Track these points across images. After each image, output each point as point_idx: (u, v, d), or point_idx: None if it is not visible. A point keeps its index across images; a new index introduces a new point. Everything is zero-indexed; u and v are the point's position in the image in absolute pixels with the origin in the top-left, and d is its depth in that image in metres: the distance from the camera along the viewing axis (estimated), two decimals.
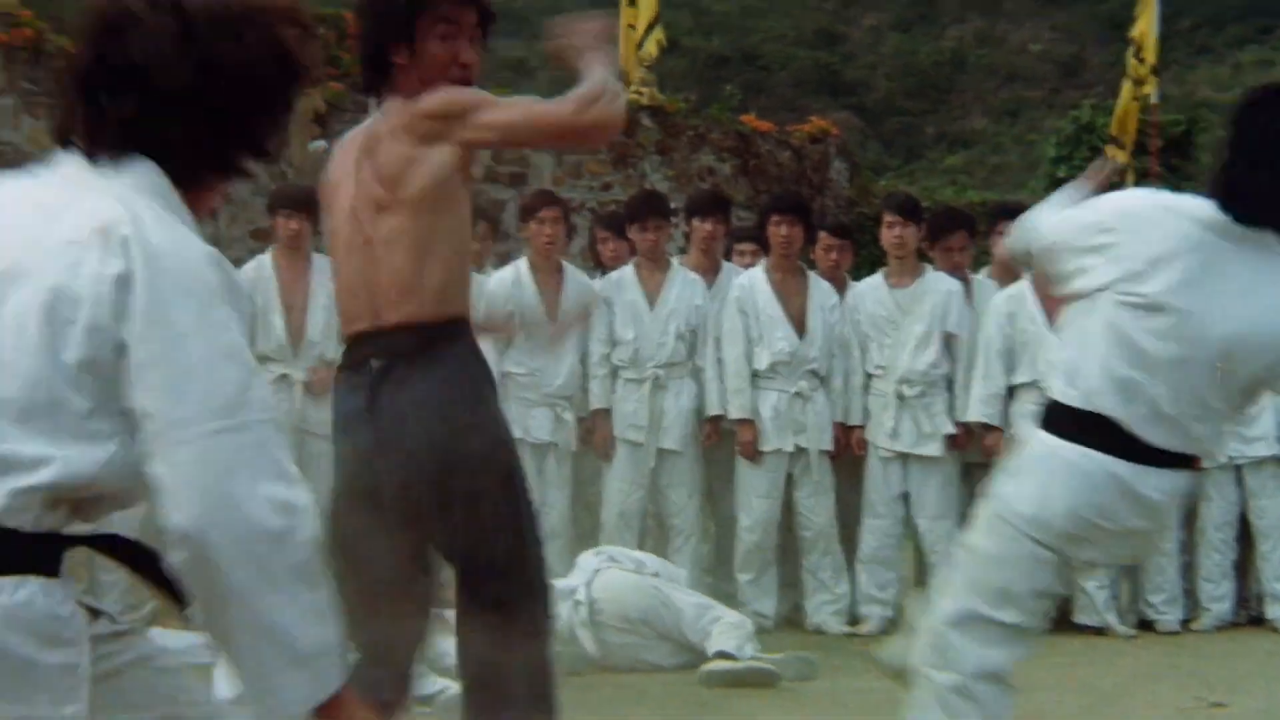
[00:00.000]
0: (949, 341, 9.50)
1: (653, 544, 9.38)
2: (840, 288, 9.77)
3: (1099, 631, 9.24)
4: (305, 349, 9.21)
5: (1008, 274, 9.79)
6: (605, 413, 9.47)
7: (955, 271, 9.71)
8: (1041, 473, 4.39)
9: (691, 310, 9.51)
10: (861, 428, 9.56)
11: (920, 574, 9.66)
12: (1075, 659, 8.27)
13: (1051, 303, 9.35)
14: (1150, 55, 18.62)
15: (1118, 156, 18.46)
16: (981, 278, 9.89)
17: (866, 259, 12.07)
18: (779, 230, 9.55)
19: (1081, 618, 9.31)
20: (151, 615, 8.83)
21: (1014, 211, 10.30)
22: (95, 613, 2.72)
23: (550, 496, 9.26)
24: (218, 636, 2.62)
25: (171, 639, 8.48)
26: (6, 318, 2.59)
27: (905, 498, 9.52)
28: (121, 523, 2.79)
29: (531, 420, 9.24)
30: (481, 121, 4.17)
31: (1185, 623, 9.49)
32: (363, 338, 4.24)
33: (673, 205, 10.78)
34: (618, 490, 9.42)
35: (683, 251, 10.87)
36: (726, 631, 7.82)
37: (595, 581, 8.11)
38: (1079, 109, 23.88)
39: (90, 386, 2.57)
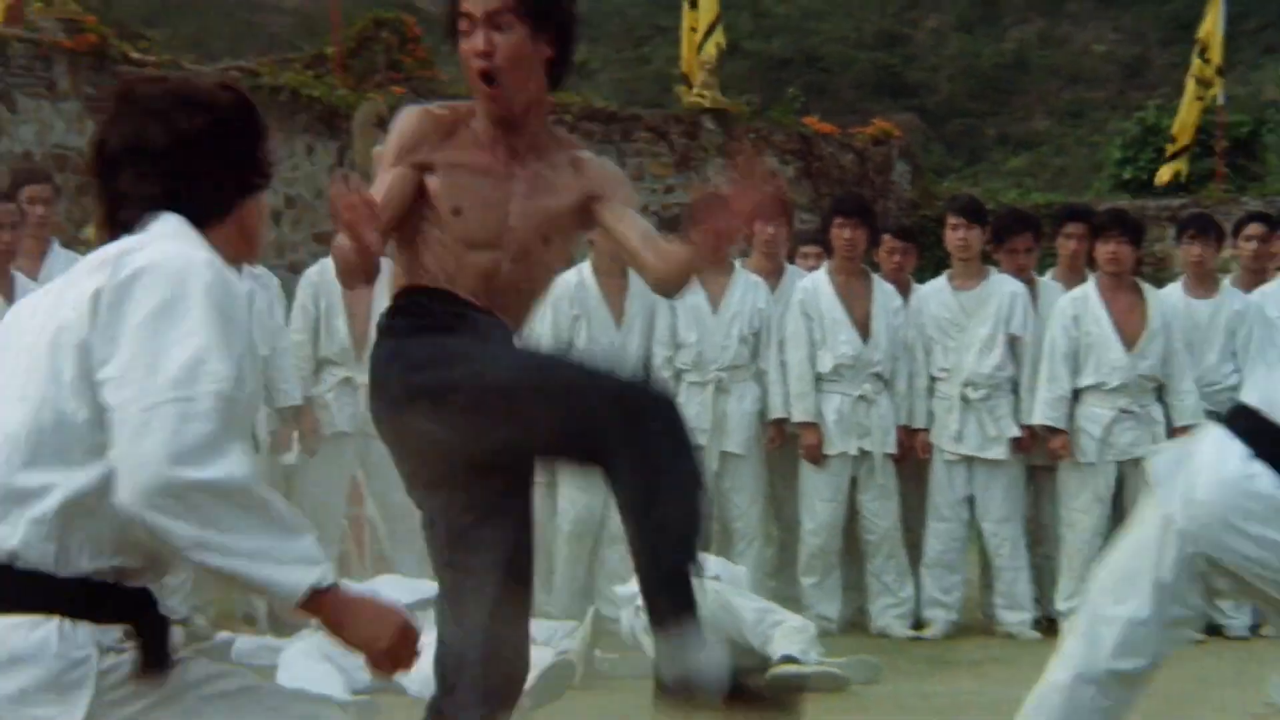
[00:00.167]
0: (1013, 344, 9.46)
1: (716, 548, 9.35)
2: (904, 290, 9.73)
3: None
4: (369, 352, 9.21)
5: (1073, 276, 9.75)
6: None
7: (1020, 274, 9.65)
8: None
9: (754, 313, 9.49)
10: (926, 431, 9.52)
11: (985, 577, 9.62)
12: None
13: (1117, 305, 9.33)
14: (1216, 56, 18.53)
15: (1178, 169, 18.39)
16: (1046, 280, 9.84)
17: (929, 261, 12.02)
18: (842, 233, 9.52)
19: None
20: (216, 617, 8.88)
21: (1079, 213, 10.35)
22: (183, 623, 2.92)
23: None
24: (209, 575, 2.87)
25: (240, 641, 8.50)
26: (22, 357, 2.90)
27: (970, 501, 9.47)
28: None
29: None
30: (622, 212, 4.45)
31: (1254, 628, 9.40)
32: None
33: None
34: None
35: (745, 255, 10.84)
36: (789, 635, 7.80)
37: None
38: (1144, 110, 23.73)
39: (88, 396, 2.81)
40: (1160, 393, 9.35)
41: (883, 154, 18.32)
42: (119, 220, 3.02)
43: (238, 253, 3.11)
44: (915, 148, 21.22)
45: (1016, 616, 9.34)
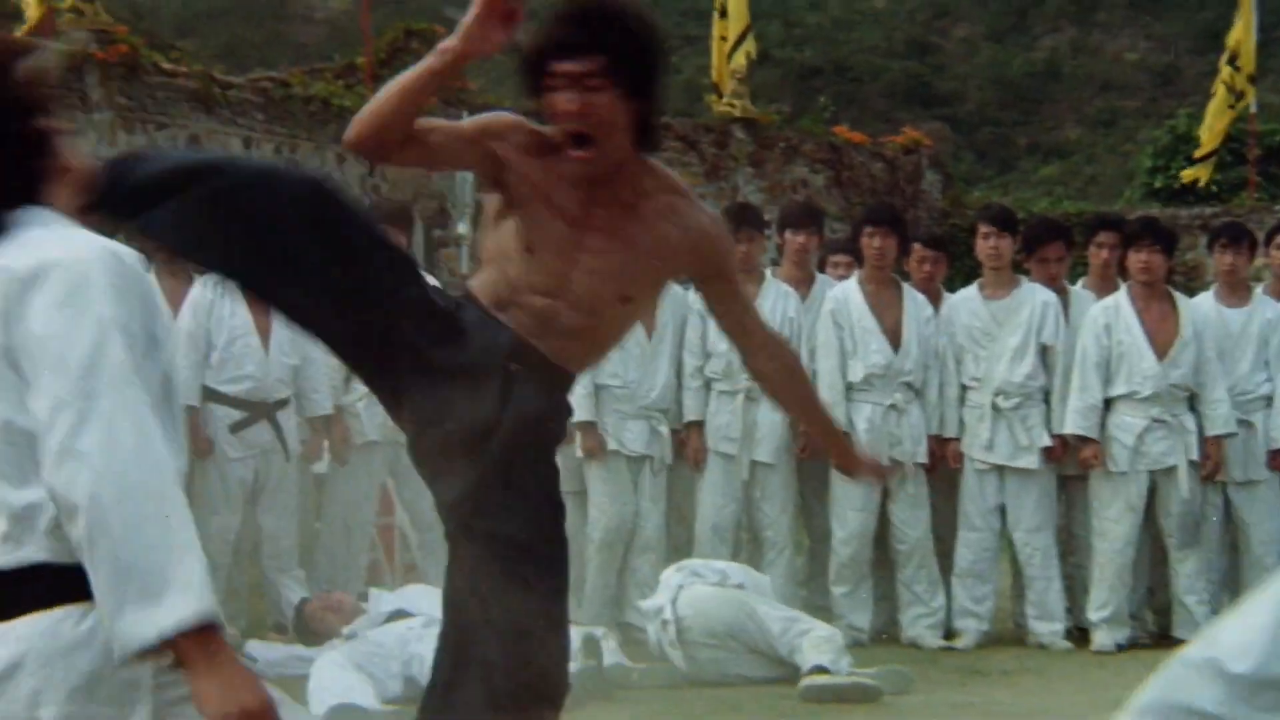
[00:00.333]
0: (1045, 353, 9.43)
1: (746, 557, 9.36)
2: (934, 300, 9.71)
3: None
4: None
5: (1104, 285, 9.72)
6: (699, 425, 9.45)
7: (1051, 283, 9.62)
8: None
9: (785, 322, 9.47)
10: (957, 440, 9.50)
11: (1016, 587, 9.59)
12: None
13: (1149, 314, 9.30)
14: (1248, 64, 18.46)
15: (1199, 175, 18.34)
16: (1078, 289, 9.81)
17: (959, 270, 12.00)
18: (872, 242, 9.50)
19: (1182, 633, 9.19)
20: (246, 627, 8.90)
21: (1111, 223, 10.31)
22: None
23: (645, 509, 9.28)
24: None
25: (269, 651, 8.50)
26: None
27: (1001, 510, 9.44)
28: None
29: (627, 433, 9.25)
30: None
31: None
32: None
33: (765, 217, 10.76)
34: (711, 503, 9.41)
35: (776, 264, 10.84)
36: (818, 645, 7.79)
37: (680, 598, 8.08)
38: (1175, 119, 23.66)
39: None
40: (1192, 402, 9.31)
41: (913, 163, 18.31)
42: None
43: (78, 195, 3.00)
44: (945, 157, 21.22)
45: (1048, 626, 9.30)
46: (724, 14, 17.00)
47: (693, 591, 8.12)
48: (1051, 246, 9.72)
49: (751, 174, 16.52)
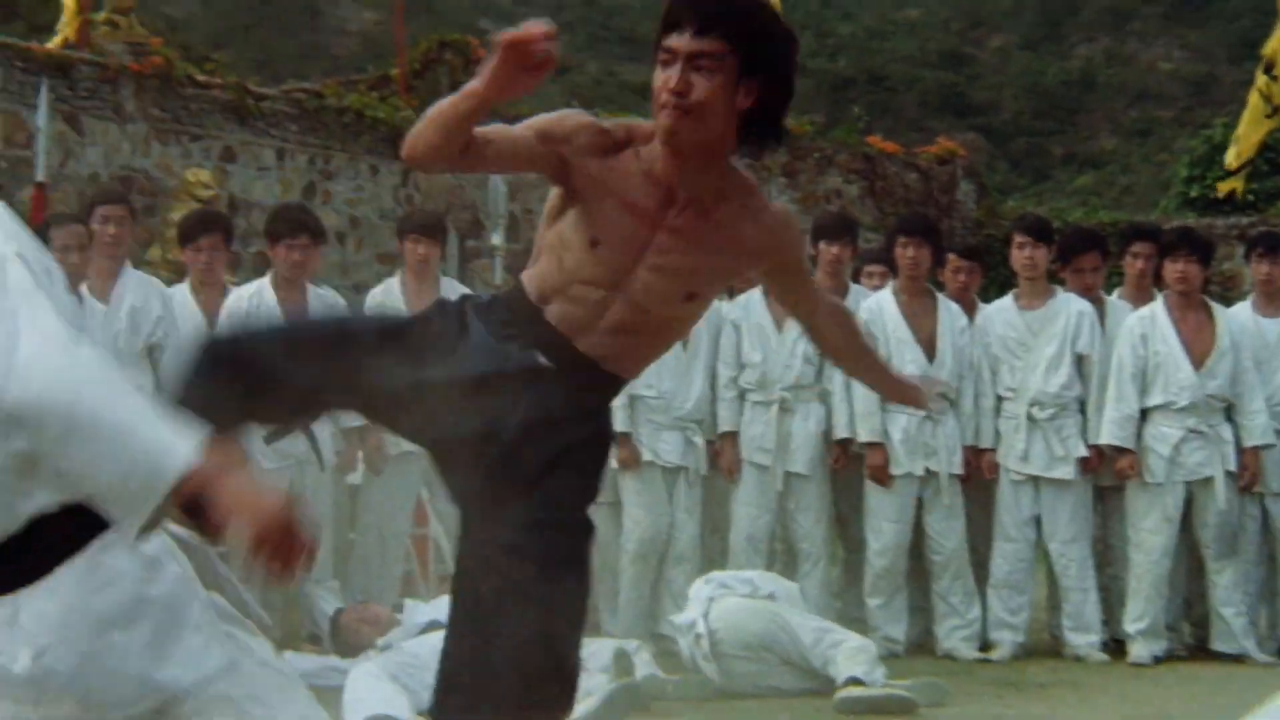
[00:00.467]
0: (1081, 363, 9.40)
1: (781, 568, 9.33)
2: (969, 310, 9.68)
3: (1237, 659, 9.08)
4: None
5: (1140, 295, 9.69)
6: (733, 436, 9.44)
7: (1087, 293, 9.59)
8: None
9: None
10: (992, 451, 9.46)
11: (1052, 598, 9.55)
12: (1213, 687, 8.13)
13: (1186, 324, 9.26)
14: None
15: (1234, 185, 18.25)
16: (1114, 299, 9.78)
17: (994, 280, 11.97)
18: (906, 252, 9.48)
19: (1219, 645, 9.16)
20: (281, 638, 8.90)
21: (1147, 233, 10.27)
22: None
23: (680, 520, 9.27)
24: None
25: (303, 662, 8.50)
26: None
27: (1037, 521, 9.40)
28: None
29: (661, 443, 9.24)
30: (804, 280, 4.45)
31: None
32: None
33: (800, 228, 10.73)
34: (745, 514, 9.39)
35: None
36: (852, 656, 7.75)
37: (711, 611, 8.05)
38: (1211, 129, 23.57)
39: None
40: (1229, 412, 9.27)
41: (947, 173, 18.27)
42: None
43: None
44: (980, 167, 21.18)
45: (1084, 638, 9.26)
46: None
47: (724, 604, 8.09)
48: (1087, 256, 9.69)
49: (785, 184, 16.50)
